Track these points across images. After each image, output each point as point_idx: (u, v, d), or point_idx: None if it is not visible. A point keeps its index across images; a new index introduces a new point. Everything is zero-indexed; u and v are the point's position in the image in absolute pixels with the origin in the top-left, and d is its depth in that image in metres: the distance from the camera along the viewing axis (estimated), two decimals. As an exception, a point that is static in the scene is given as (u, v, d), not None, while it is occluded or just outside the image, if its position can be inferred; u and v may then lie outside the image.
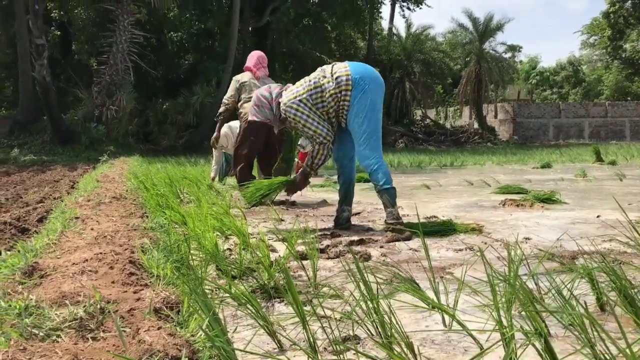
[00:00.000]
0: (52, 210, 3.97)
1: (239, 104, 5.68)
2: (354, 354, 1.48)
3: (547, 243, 2.97)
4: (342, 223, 3.78)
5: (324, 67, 3.74)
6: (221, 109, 5.86)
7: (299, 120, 3.60)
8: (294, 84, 3.83)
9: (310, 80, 3.65)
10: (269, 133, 5.28)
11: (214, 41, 22.69)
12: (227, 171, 7.41)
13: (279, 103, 3.74)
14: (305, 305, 1.85)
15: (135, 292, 1.73)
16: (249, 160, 5.44)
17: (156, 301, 1.62)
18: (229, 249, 2.91)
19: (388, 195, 3.57)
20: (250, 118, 4.00)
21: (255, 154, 5.48)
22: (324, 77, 3.61)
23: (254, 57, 5.86)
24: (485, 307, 1.82)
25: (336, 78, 3.56)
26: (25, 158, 14.24)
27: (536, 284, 2.00)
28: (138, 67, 18.38)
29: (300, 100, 3.60)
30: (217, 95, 18.14)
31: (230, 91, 5.76)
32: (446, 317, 1.76)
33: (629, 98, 37.36)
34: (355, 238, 3.30)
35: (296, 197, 5.28)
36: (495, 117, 32.84)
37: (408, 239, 3.26)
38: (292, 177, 3.90)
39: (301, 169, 3.84)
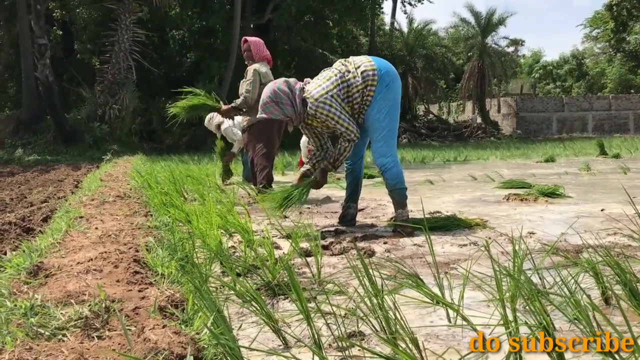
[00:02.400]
0: (56, 209, 3.98)
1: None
2: (359, 350, 1.49)
3: (551, 237, 2.96)
4: (348, 220, 3.77)
5: (343, 61, 3.57)
6: (240, 101, 5.29)
7: (332, 116, 3.39)
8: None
9: (336, 75, 3.46)
10: (279, 126, 5.16)
11: (216, 39, 22.65)
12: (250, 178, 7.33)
13: (303, 99, 3.48)
14: (310, 302, 1.85)
15: (140, 291, 1.73)
16: (272, 158, 5.15)
17: (161, 299, 1.63)
18: (233, 247, 2.91)
19: (400, 195, 3.54)
20: (264, 116, 3.60)
21: (274, 150, 5.16)
22: (348, 71, 3.46)
23: (260, 44, 5.43)
24: (490, 301, 1.82)
25: (362, 72, 3.43)
26: (29, 158, 14.29)
27: (541, 279, 2.00)
28: (140, 66, 18.39)
29: (332, 96, 3.38)
30: (220, 93, 18.12)
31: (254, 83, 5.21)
32: (451, 312, 1.76)
33: (632, 91, 37.20)
34: (359, 234, 3.30)
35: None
36: (499, 111, 32.76)
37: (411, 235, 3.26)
38: (312, 177, 3.71)
39: (322, 166, 3.65)
